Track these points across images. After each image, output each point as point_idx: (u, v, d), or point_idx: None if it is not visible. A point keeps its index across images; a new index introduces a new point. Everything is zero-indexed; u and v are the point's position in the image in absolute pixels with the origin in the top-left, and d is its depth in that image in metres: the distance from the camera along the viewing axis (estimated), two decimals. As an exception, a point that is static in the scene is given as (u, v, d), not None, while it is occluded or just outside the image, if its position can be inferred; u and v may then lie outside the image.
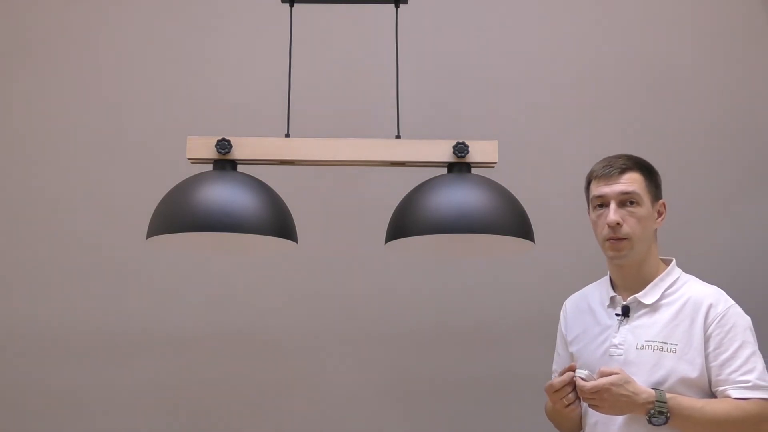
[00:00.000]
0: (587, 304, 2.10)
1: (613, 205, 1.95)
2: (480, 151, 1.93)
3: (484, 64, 3.05)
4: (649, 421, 1.84)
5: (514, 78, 3.05)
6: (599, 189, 1.98)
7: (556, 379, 1.92)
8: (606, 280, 2.08)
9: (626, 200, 1.96)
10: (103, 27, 3.03)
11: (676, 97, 3.05)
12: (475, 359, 2.96)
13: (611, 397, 1.82)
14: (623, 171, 1.97)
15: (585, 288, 2.17)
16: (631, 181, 1.96)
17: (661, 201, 2.02)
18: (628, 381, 1.84)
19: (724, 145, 3.05)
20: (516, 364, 2.94)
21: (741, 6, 3.08)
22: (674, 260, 2.04)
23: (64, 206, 2.96)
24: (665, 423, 1.83)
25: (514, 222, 1.85)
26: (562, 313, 2.19)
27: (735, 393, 1.85)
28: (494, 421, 2.93)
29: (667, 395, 1.84)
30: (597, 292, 2.10)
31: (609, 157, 2.02)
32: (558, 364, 2.17)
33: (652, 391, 1.85)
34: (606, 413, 1.88)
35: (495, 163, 1.94)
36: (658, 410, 1.82)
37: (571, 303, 2.18)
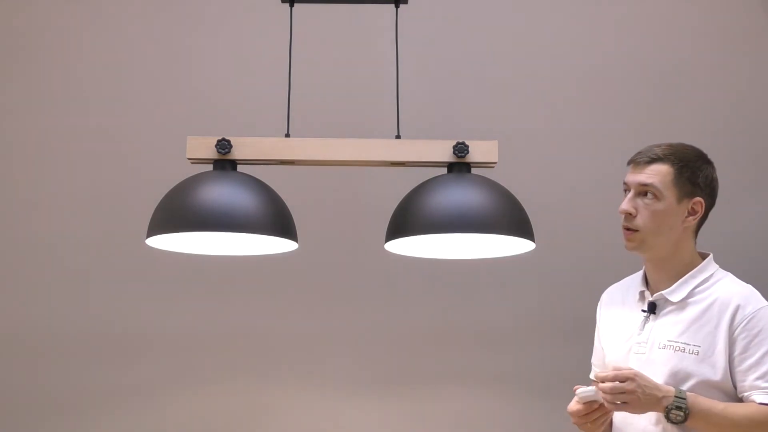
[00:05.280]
0: (621, 297, 2.03)
1: (630, 194, 1.90)
2: (480, 151, 1.93)
3: (483, 64, 3.05)
4: (667, 417, 1.77)
5: (514, 78, 3.05)
6: (627, 175, 1.93)
7: (576, 408, 1.86)
8: (641, 272, 2.01)
9: (644, 191, 1.88)
10: (103, 26, 3.02)
11: (678, 96, 3.04)
12: (475, 359, 2.95)
13: (639, 388, 1.76)
14: (651, 161, 1.89)
15: (625, 278, 2.08)
16: (654, 173, 1.88)
17: (695, 199, 1.90)
18: (642, 375, 1.79)
19: (726, 145, 3.04)
20: (515, 364, 2.93)
21: (741, 6, 3.08)
22: (711, 255, 1.96)
23: (64, 206, 2.95)
24: (684, 420, 1.77)
25: (514, 222, 1.85)
26: (599, 305, 2.11)
27: (759, 398, 1.78)
28: (494, 421, 2.93)
29: (687, 393, 1.79)
30: (633, 285, 2.02)
31: (651, 145, 1.94)
32: (596, 357, 2.10)
33: (670, 386, 1.79)
34: (634, 410, 1.80)
35: (495, 163, 1.94)
36: (676, 405, 1.76)
37: (607, 295, 2.10)
